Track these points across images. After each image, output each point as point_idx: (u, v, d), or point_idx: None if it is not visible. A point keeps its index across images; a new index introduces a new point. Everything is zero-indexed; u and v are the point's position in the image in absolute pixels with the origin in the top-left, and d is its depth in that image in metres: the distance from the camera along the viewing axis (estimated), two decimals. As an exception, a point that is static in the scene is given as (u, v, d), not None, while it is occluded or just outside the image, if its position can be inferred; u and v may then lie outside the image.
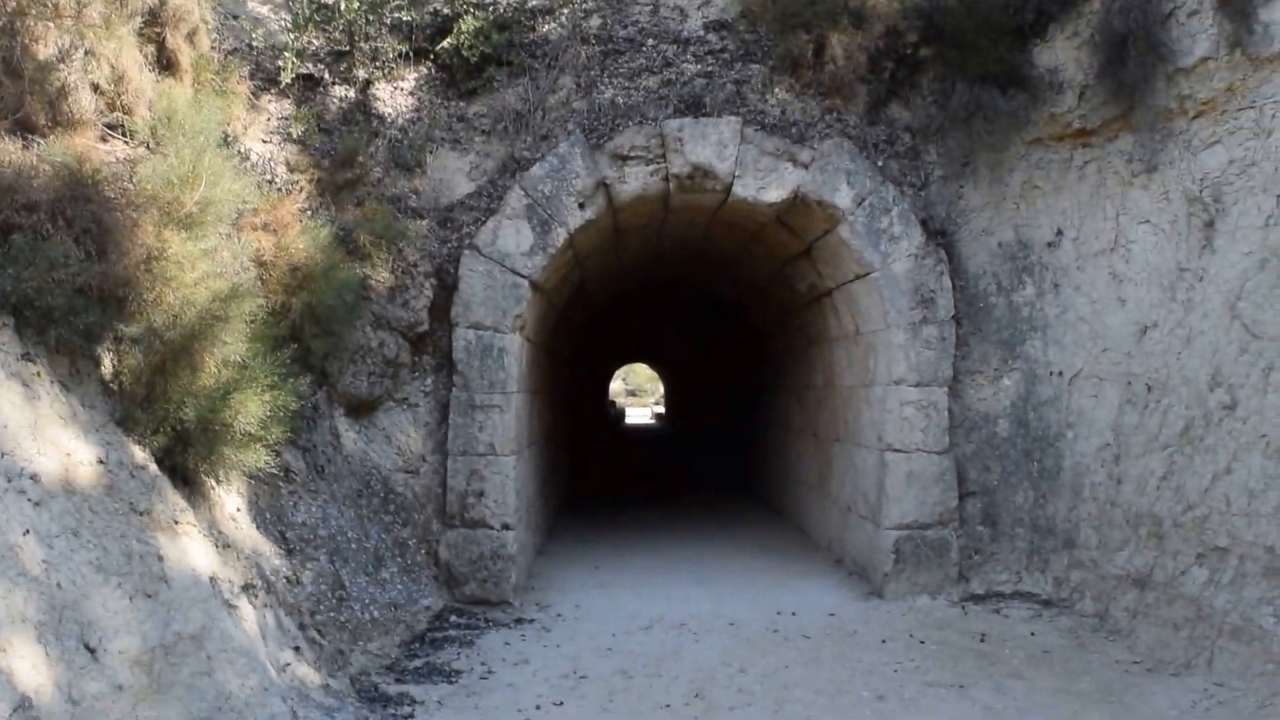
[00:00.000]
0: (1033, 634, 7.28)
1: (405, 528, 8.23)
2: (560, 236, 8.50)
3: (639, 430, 38.58)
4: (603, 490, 16.82)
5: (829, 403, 10.51)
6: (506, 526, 8.38)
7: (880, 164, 8.64)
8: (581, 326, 14.91)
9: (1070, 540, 7.89)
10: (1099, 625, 7.27)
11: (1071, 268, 8.19)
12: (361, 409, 8.27)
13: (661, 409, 47.25)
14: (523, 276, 8.46)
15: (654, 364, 36.48)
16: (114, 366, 5.88)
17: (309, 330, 7.17)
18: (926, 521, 8.31)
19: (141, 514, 5.27)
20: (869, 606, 8.24)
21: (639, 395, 65.27)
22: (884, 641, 7.26)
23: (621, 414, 44.74)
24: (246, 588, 5.85)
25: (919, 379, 8.36)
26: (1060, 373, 8.21)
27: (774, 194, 8.55)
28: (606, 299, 14.47)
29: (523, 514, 9.00)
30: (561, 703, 6.19)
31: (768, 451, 14.89)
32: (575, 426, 18.46)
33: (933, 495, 8.31)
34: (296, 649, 6.08)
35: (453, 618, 7.94)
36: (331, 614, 6.84)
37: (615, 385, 61.30)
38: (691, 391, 27.19)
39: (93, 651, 4.59)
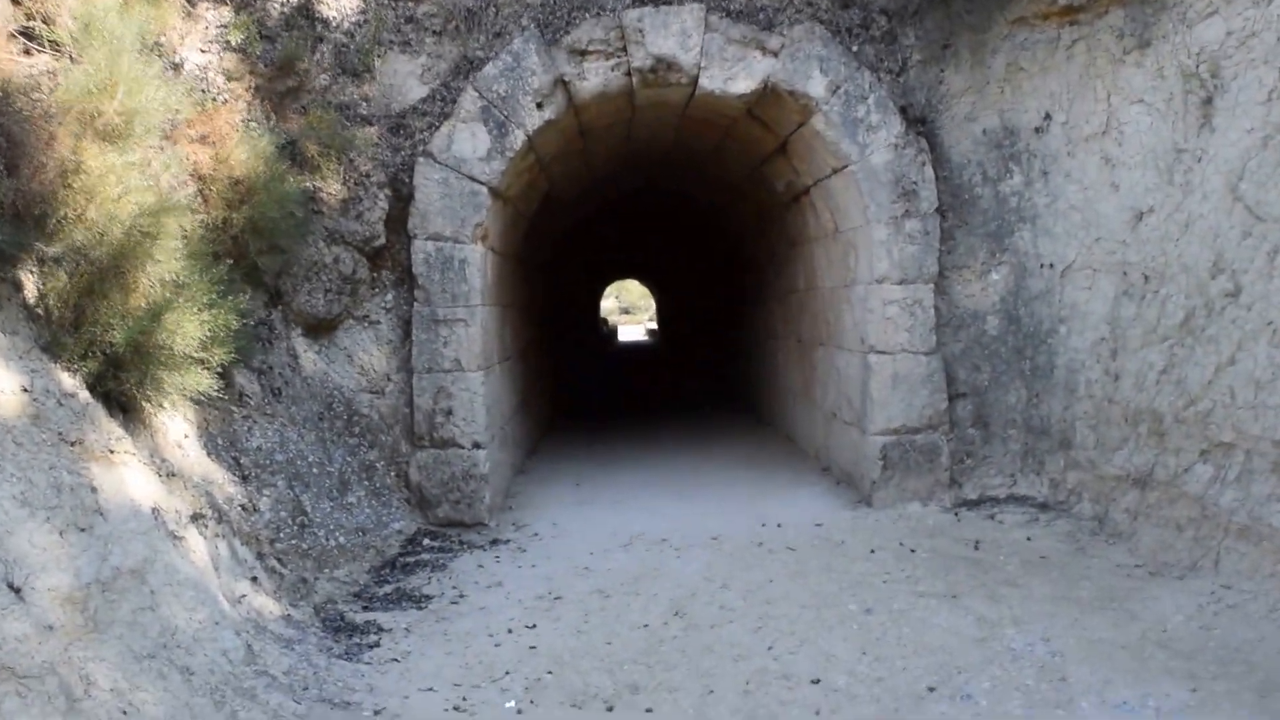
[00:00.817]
0: (1029, 539, 7.00)
1: (372, 450, 7.90)
2: (518, 139, 8.03)
3: (631, 347, 38.26)
4: (591, 407, 16.52)
5: (811, 306, 10.14)
6: (477, 445, 8.05)
7: (855, 49, 8.14)
8: (557, 239, 14.47)
9: (1066, 440, 7.58)
10: (1098, 528, 6.99)
11: (1061, 153, 7.76)
12: (320, 328, 7.89)
13: (654, 325, 46.89)
14: (481, 183, 8.01)
15: (643, 279, 36.02)
16: (38, 290, 5.48)
17: (254, 246, 6.76)
18: (915, 426, 7.99)
19: (72, 444, 4.92)
20: (857, 516, 7.96)
21: (633, 313, 64.86)
22: (872, 551, 6.98)
23: (614, 332, 44.44)
24: (195, 517, 5.53)
25: (902, 276, 7.97)
26: (1051, 265, 7.82)
27: (743, 85, 8.05)
28: (582, 210, 14.01)
29: (496, 432, 8.67)
30: (534, 625, 5.91)
31: (754, 361, 14.57)
32: (561, 343, 18.11)
33: (920, 398, 7.98)
34: (254, 579, 5.78)
35: (425, 541, 7.66)
36: (293, 541, 6.54)
37: (608, 304, 60.98)
38: (679, 305, 26.85)
39: (17, 591, 4.26)
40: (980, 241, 8.11)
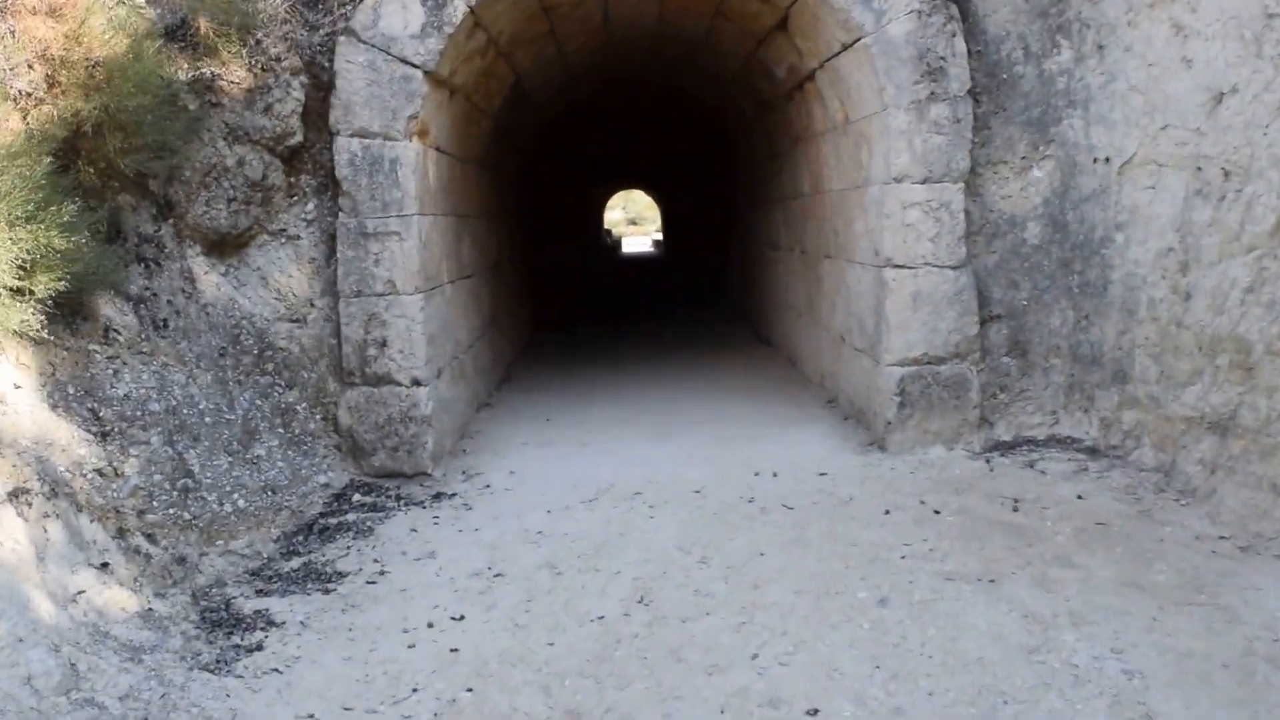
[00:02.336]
0: (1079, 496, 5.71)
1: (291, 390, 6.64)
2: (458, 10, 6.59)
3: (635, 259, 36.80)
4: (585, 324, 15.20)
5: (816, 212, 8.75)
6: (417, 382, 6.78)
7: (872, -107, 6.64)
8: (536, 143, 13.02)
9: (1121, 372, 6.26)
10: (1165, 483, 5.70)
11: (1120, 22, 6.31)
12: (225, 246, 6.56)
13: (660, 236, 45.27)
14: (414, 66, 6.61)
15: (646, 188, 34.42)
16: None
17: (111, 143, 5.39)
18: (939, 354, 6.67)
19: None
20: (869, 462, 6.69)
21: (639, 224, 63.08)
22: (887, 513, 5.71)
23: (618, 244, 42.90)
24: (15, 494, 4.29)
25: (926, 174, 6.57)
26: (1107, 159, 6.43)
27: (733, -61, 6.61)
28: (562, 109, 12.53)
29: (445, 364, 7.39)
30: (462, 617, 4.70)
31: (753, 274, 13.20)
32: (555, 256, 16.76)
33: (946, 321, 6.64)
34: (104, 566, 4.55)
35: (356, 496, 6.43)
36: (171, 510, 5.28)
37: (615, 215, 59.25)
38: (681, 214, 25.37)
39: None
40: (1020, 131, 6.70)
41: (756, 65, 9.11)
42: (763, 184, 11.78)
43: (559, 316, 15.68)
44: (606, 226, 39.73)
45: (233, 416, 6.07)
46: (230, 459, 5.87)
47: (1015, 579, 4.68)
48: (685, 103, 13.34)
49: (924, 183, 6.55)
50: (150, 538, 5.02)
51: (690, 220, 23.50)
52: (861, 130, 7.12)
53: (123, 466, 5.17)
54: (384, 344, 6.77)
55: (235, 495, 5.71)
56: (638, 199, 53.82)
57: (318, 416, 6.86)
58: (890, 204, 6.60)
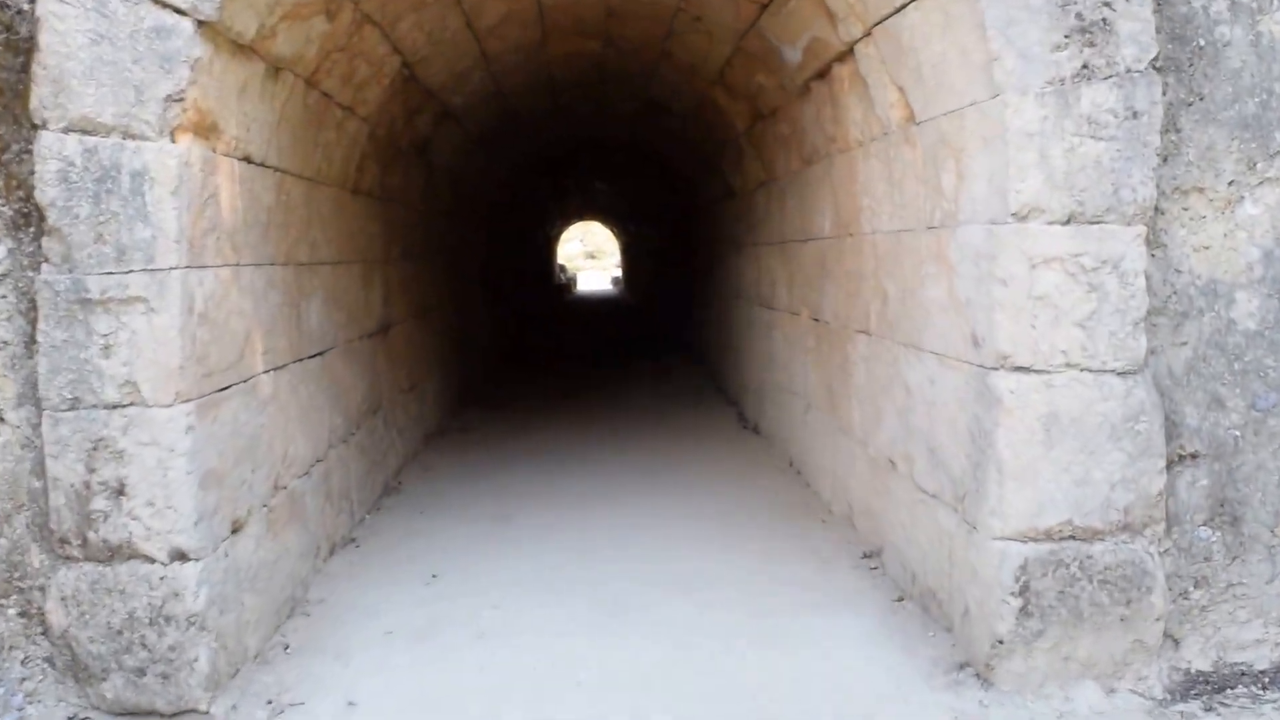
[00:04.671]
0: None
1: (-59, 578, 3.69)
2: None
3: (591, 302, 33.76)
4: (523, 394, 12.24)
5: (845, 264, 5.89)
6: (181, 555, 3.85)
7: None
8: (460, 158, 10.12)
9: None
10: None
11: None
12: None
13: (619, 272, 42.26)
14: (179, 11, 3.72)
15: (604, 220, 31.59)
16: None
17: None
18: (1093, 525, 3.79)
19: None
20: (962, 710, 3.79)
21: (597, 257, 60.08)
22: None
23: (573, 280, 39.95)
24: None
25: (1074, 208, 3.71)
26: (1386, 184, 3.65)
27: None
28: (489, 115, 9.66)
29: (250, 510, 4.45)
30: None
31: (735, 336, 10.33)
32: (486, 299, 13.85)
33: (1107, 467, 3.77)
34: None
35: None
36: None
37: (573, 248, 56.33)
38: (642, 250, 22.59)
39: None
40: (1225, 137, 3.88)
41: (755, 47, 6.29)
42: (750, 218, 8.95)
43: (491, 385, 12.76)
44: (561, 262, 36.84)
45: None
46: None
47: None
48: (649, 113, 10.47)
49: (1069, 223, 3.71)
50: None
51: (654, 258, 20.73)
52: (942, 135, 4.27)
53: None
54: (121, 490, 3.84)
55: None
56: (597, 231, 50.83)
57: (11, 611, 3.96)
58: (1007, 260, 3.74)
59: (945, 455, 4.34)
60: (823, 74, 5.65)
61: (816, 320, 6.67)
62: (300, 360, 5.33)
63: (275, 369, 4.89)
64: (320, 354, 5.73)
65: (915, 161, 4.65)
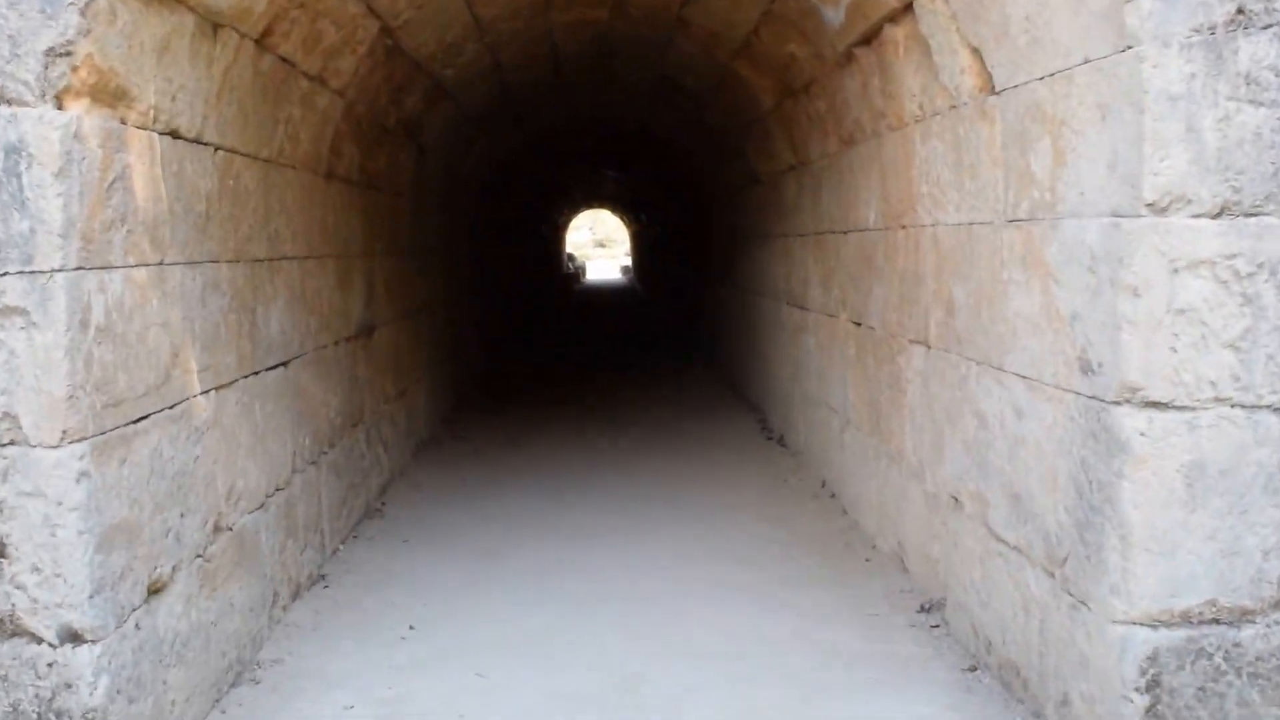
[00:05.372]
0: None
1: None
2: None
3: (600, 292, 32.88)
4: (526, 395, 11.41)
5: (895, 261, 5.03)
6: (74, 635, 3.03)
7: None
8: (459, 143, 9.27)
9: None
10: None
11: None
12: None
13: (629, 262, 41.28)
14: (38, -74, 2.89)
15: (613, 207, 30.72)
16: None
17: None
18: (1244, 604, 2.95)
19: None
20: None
21: (607, 245, 59.10)
22: None
23: (581, 270, 39.07)
24: None
25: (1229, 193, 2.86)
26: None
27: None
28: (487, 93, 8.81)
29: (175, 567, 3.61)
30: None
31: (758, 335, 9.49)
32: (489, 292, 13.04)
33: (1262, 530, 2.93)
34: None
35: None
36: None
37: (582, 236, 55.42)
38: (653, 239, 21.75)
39: None
40: None
41: (787, 9, 5.42)
42: (778, 207, 8.09)
43: (491, 388, 11.94)
44: (570, 251, 35.97)
45: None
46: None
47: None
48: (662, 90, 9.59)
49: (1220, 215, 2.85)
50: None
51: (668, 245, 19.89)
52: (1035, 105, 3.41)
53: None
54: (0, 552, 3.02)
55: None
56: (607, 219, 49.85)
57: None
58: (1140, 264, 2.87)
59: (1035, 505, 3.48)
60: (869, 38, 4.78)
61: (858, 325, 5.81)
62: (255, 374, 4.51)
63: (218, 388, 4.06)
64: (283, 364, 4.90)
65: (992, 140, 3.79)
